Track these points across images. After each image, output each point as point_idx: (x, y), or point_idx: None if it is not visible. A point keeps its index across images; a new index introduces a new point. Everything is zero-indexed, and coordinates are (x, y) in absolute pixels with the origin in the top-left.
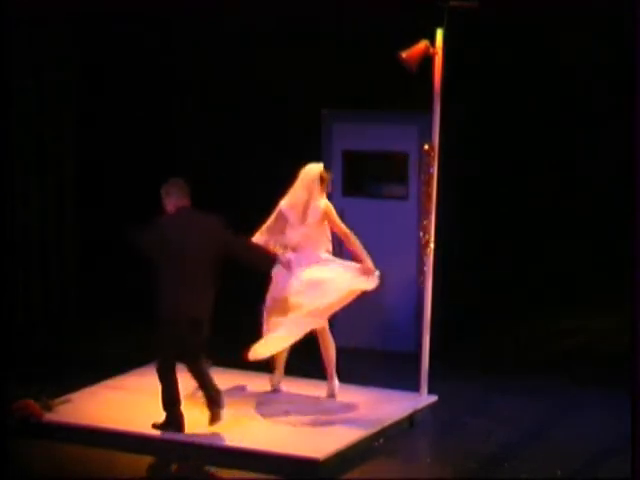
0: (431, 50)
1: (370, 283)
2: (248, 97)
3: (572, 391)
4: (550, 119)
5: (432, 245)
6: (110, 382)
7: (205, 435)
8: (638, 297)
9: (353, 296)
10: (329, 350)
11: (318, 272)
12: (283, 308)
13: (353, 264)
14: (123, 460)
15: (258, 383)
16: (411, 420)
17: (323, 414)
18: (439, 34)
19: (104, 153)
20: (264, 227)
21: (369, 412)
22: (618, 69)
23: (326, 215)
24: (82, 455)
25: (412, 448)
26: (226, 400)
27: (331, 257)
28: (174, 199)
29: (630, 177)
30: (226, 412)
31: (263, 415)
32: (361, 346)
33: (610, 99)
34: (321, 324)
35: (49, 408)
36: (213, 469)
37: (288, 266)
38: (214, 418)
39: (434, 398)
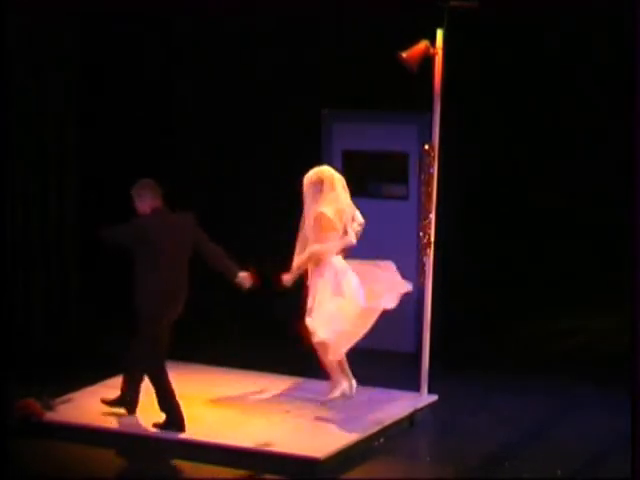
0: (431, 50)
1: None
2: (248, 97)
3: (572, 391)
4: (550, 119)
5: (432, 245)
6: (110, 382)
7: (206, 435)
8: (638, 297)
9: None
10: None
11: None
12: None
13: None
14: (123, 460)
15: (259, 383)
16: (411, 420)
17: (323, 414)
18: (439, 34)
19: (104, 153)
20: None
21: (369, 412)
22: (618, 69)
23: (316, 222)
24: (83, 455)
25: (412, 448)
26: (228, 400)
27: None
28: (149, 200)
29: (630, 177)
30: (226, 412)
31: (263, 415)
32: (361, 346)
33: (610, 99)
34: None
35: (50, 408)
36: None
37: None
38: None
39: (434, 398)
